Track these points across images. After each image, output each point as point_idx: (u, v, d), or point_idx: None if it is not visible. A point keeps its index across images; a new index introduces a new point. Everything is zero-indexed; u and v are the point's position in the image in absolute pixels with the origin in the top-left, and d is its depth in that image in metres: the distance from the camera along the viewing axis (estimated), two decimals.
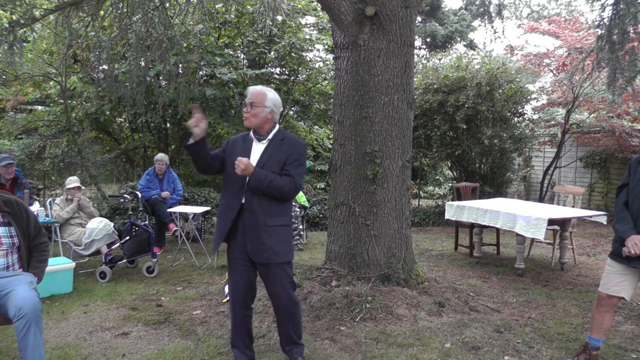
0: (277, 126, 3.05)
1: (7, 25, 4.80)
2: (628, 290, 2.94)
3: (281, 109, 3.08)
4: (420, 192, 12.21)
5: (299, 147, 2.99)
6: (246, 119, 2.94)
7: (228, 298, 4.32)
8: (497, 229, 6.16)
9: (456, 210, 5.97)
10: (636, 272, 2.91)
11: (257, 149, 2.98)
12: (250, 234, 2.89)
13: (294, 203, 7.02)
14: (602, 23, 4.94)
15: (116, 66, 7.61)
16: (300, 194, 7.45)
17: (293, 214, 6.87)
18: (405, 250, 4.49)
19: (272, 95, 2.97)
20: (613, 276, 2.97)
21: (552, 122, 10.00)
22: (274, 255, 2.89)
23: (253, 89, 2.98)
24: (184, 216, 6.75)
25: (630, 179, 2.96)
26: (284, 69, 9.95)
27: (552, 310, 4.20)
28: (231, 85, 8.31)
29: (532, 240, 6.29)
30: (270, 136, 2.99)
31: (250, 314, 3.12)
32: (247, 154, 2.94)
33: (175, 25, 6.36)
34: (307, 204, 7.42)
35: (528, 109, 9.80)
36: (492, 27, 6.35)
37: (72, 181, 5.70)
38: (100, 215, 6.24)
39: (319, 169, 11.33)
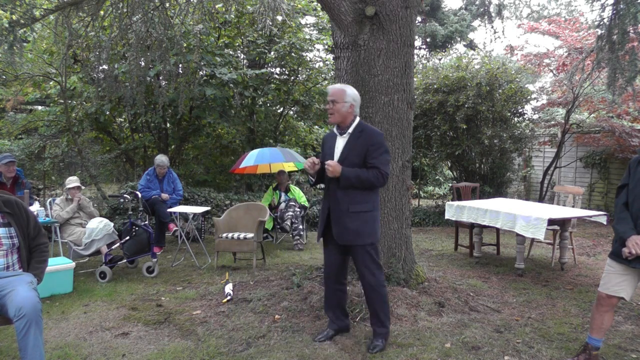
0: (357, 119, 3.34)
1: (7, 25, 4.80)
2: (628, 290, 2.94)
3: (359, 102, 3.37)
4: (420, 192, 12.20)
5: (376, 137, 3.25)
6: (330, 115, 3.30)
7: (228, 298, 4.35)
8: (497, 229, 6.16)
9: (456, 210, 5.97)
10: (636, 272, 2.91)
11: (340, 143, 3.33)
12: (336, 219, 3.26)
13: (293, 203, 7.03)
14: (602, 23, 4.94)
15: (116, 66, 7.61)
16: (301, 194, 7.46)
17: (293, 213, 6.88)
18: (405, 250, 4.49)
19: (350, 91, 3.29)
20: (613, 276, 2.97)
21: (552, 122, 10.00)
22: (356, 237, 3.22)
23: (332, 88, 3.32)
24: (184, 216, 6.75)
25: (630, 179, 2.96)
26: (284, 69, 9.95)
27: (552, 310, 4.20)
28: (231, 85, 8.31)
29: (532, 240, 6.29)
30: (350, 130, 3.29)
31: (342, 288, 3.51)
32: (333, 150, 3.33)
33: (175, 25, 6.36)
34: (307, 204, 7.42)
35: (528, 109, 9.81)
36: (492, 27, 6.36)
37: (72, 181, 5.70)
38: (100, 215, 6.24)
39: None
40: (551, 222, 5.12)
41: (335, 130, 3.39)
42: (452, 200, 7.31)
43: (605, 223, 5.45)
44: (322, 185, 3.48)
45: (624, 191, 2.99)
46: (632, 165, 2.97)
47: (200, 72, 8.29)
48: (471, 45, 20.38)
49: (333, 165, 3.16)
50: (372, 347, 3.31)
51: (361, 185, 3.18)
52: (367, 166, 3.21)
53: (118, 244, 5.40)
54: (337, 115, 3.27)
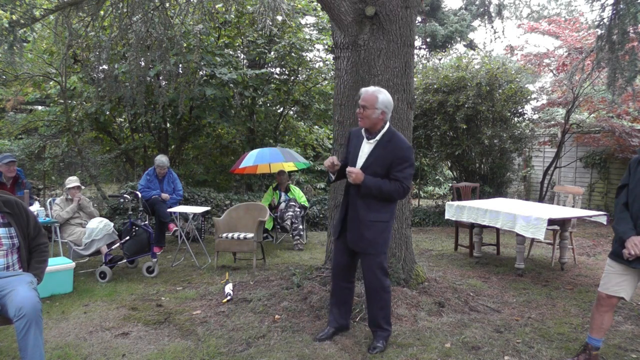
0: (387, 125, 3.27)
1: (7, 25, 4.80)
2: (628, 290, 2.94)
3: (392, 107, 3.28)
4: (420, 192, 12.20)
5: (404, 150, 3.20)
6: (360, 120, 3.24)
7: (228, 298, 4.34)
8: (497, 229, 6.16)
9: (456, 210, 5.97)
10: (636, 272, 2.91)
11: (365, 148, 3.27)
12: (353, 226, 3.28)
13: (293, 203, 7.03)
14: (602, 23, 4.94)
15: (116, 66, 7.61)
16: (301, 193, 7.46)
17: (293, 213, 6.88)
18: (405, 250, 4.49)
19: (382, 98, 3.19)
20: (613, 276, 2.97)
21: (552, 122, 9.99)
22: (370, 246, 3.26)
23: (365, 92, 3.23)
24: (184, 216, 6.75)
25: (630, 179, 2.96)
26: (284, 69, 9.95)
27: (552, 310, 4.20)
28: (231, 85, 8.31)
29: (532, 240, 6.29)
30: (378, 137, 3.23)
31: (350, 286, 3.54)
32: (357, 153, 3.30)
33: (175, 25, 6.36)
34: (307, 204, 7.41)
35: (528, 109, 9.81)
36: (492, 27, 6.35)
37: (72, 181, 5.70)
38: (100, 215, 6.24)
39: (319, 169, 11.34)
40: (551, 222, 5.12)
41: (362, 132, 3.32)
42: (452, 200, 7.31)
43: (605, 223, 5.45)
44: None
45: (624, 191, 2.99)
46: (632, 166, 2.97)
47: (200, 72, 8.29)
48: (471, 45, 20.38)
49: (356, 173, 3.15)
50: (372, 347, 3.32)
51: (381, 196, 3.18)
52: (389, 177, 3.19)
53: (118, 244, 5.39)
54: (367, 121, 3.21)
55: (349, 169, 3.18)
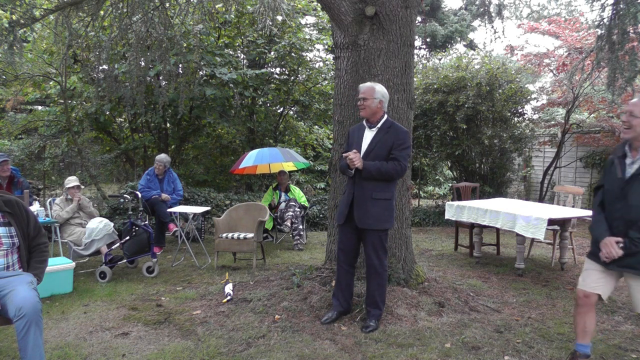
0: (386, 115, 3.68)
1: (7, 25, 4.80)
2: (605, 288, 2.87)
3: (388, 98, 3.73)
4: (420, 192, 12.20)
5: (402, 133, 3.60)
6: (361, 110, 3.63)
7: (228, 298, 4.35)
8: (497, 229, 6.15)
9: (456, 210, 5.97)
10: (614, 272, 2.86)
11: (368, 135, 3.66)
12: (359, 204, 3.58)
13: (293, 203, 7.03)
14: (602, 23, 4.94)
15: (116, 66, 7.61)
16: (301, 194, 7.46)
17: (293, 213, 6.88)
18: (405, 250, 4.49)
19: (379, 88, 3.62)
20: (592, 272, 2.90)
21: (552, 122, 9.99)
22: (376, 222, 3.56)
23: (363, 86, 3.65)
24: (184, 216, 6.75)
25: (605, 179, 2.92)
26: (284, 69, 9.96)
27: (552, 310, 4.20)
28: (231, 85, 8.31)
29: (532, 240, 6.28)
30: (379, 124, 3.63)
31: (352, 271, 3.82)
32: (360, 141, 3.65)
33: (175, 25, 6.36)
34: (307, 204, 7.41)
35: (528, 109, 9.81)
36: (492, 27, 6.35)
37: (71, 181, 5.69)
38: (100, 215, 6.24)
39: (319, 169, 11.35)
40: (551, 222, 5.12)
41: (364, 122, 3.69)
42: (452, 200, 7.31)
43: None
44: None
45: (599, 192, 2.96)
46: (607, 166, 2.94)
47: (200, 72, 8.29)
48: (471, 45, 20.39)
49: (356, 159, 3.46)
50: (366, 327, 3.57)
51: (380, 176, 3.50)
52: (389, 158, 3.53)
53: (118, 244, 5.39)
54: (368, 110, 3.60)
55: (349, 157, 3.45)
